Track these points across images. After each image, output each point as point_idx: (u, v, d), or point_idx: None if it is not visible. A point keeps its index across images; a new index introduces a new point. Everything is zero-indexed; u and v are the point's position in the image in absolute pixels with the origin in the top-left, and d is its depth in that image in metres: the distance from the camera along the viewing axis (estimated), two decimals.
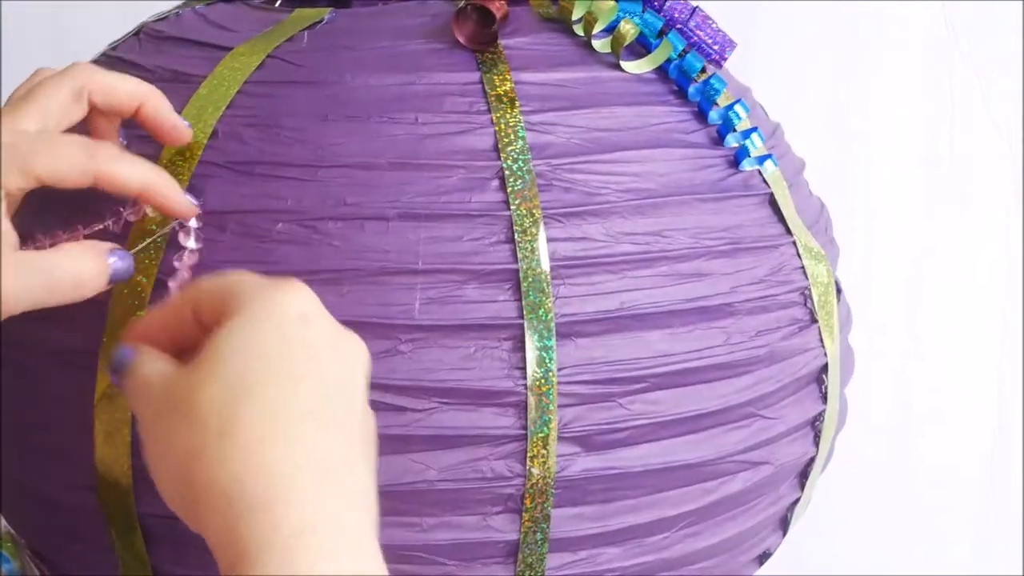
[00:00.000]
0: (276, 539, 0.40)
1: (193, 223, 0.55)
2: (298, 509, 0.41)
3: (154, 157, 0.57)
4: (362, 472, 0.44)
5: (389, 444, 0.54)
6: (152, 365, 0.46)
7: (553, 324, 0.54)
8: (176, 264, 0.54)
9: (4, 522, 0.70)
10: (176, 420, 0.43)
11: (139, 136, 0.58)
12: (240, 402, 0.42)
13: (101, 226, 0.56)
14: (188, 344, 0.46)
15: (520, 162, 0.55)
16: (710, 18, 0.64)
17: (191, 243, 0.55)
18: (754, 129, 0.62)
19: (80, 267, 0.49)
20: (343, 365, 0.45)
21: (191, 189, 0.56)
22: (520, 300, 0.54)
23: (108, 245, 0.50)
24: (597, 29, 0.60)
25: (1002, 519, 1.17)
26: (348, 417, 0.44)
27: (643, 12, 0.62)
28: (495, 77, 0.58)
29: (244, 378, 0.43)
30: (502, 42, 0.59)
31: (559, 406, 0.54)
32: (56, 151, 0.49)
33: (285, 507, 0.41)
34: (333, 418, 0.44)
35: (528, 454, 0.54)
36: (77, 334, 0.57)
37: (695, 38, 0.63)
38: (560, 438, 0.55)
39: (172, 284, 0.54)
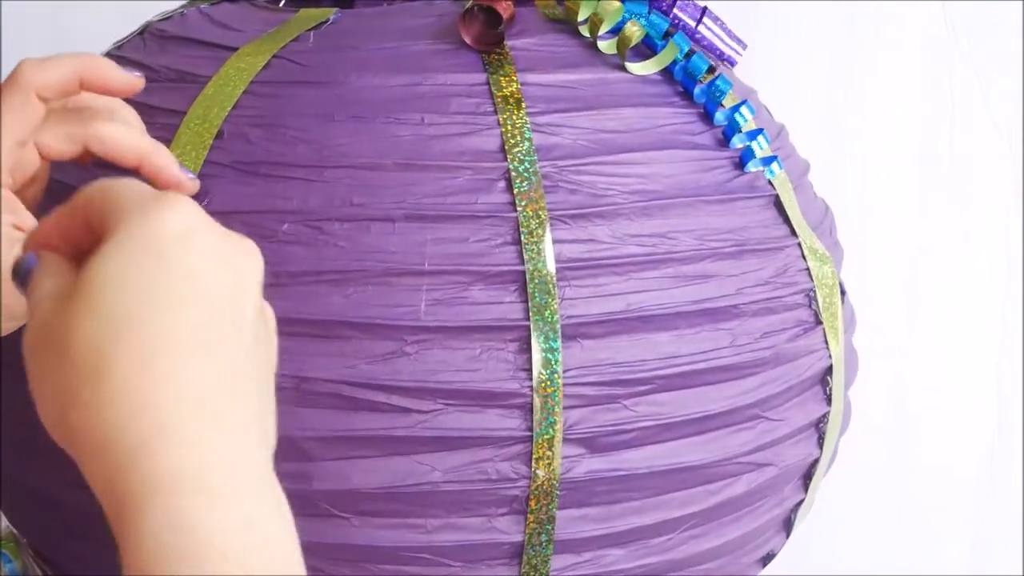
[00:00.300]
0: (156, 485, 0.37)
1: None
2: (176, 450, 0.38)
3: None
4: (251, 399, 0.41)
5: (394, 446, 0.54)
6: (47, 282, 0.42)
7: (559, 326, 0.54)
8: None
9: (5, 521, 0.69)
10: (53, 358, 0.40)
11: None
12: (114, 339, 0.39)
13: None
14: (87, 249, 0.42)
15: (526, 163, 0.55)
16: (719, 19, 0.64)
17: None
18: (760, 131, 0.62)
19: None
20: (229, 282, 0.41)
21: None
22: (526, 302, 0.54)
23: None
24: (603, 30, 0.60)
25: (1001, 519, 1.17)
26: (234, 339, 0.41)
27: (649, 14, 0.62)
28: (501, 78, 0.57)
29: (117, 311, 0.39)
30: (508, 43, 0.59)
31: (564, 408, 0.54)
32: (45, 125, 0.49)
33: (162, 449, 0.38)
34: (216, 343, 0.40)
35: (533, 456, 0.54)
36: None
37: (705, 40, 0.63)
38: (565, 440, 0.55)
39: None
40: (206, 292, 0.40)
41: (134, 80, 0.51)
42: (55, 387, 0.40)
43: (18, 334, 0.59)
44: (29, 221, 0.51)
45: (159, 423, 0.38)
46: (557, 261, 0.54)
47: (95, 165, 0.52)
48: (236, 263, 0.42)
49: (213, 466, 0.38)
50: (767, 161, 0.62)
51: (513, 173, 0.55)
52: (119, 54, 0.65)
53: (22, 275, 0.43)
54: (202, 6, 0.67)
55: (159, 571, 0.37)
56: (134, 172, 0.51)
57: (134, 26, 0.68)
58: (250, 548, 0.38)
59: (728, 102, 0.62)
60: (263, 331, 0.43)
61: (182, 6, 0.69)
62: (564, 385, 0.54)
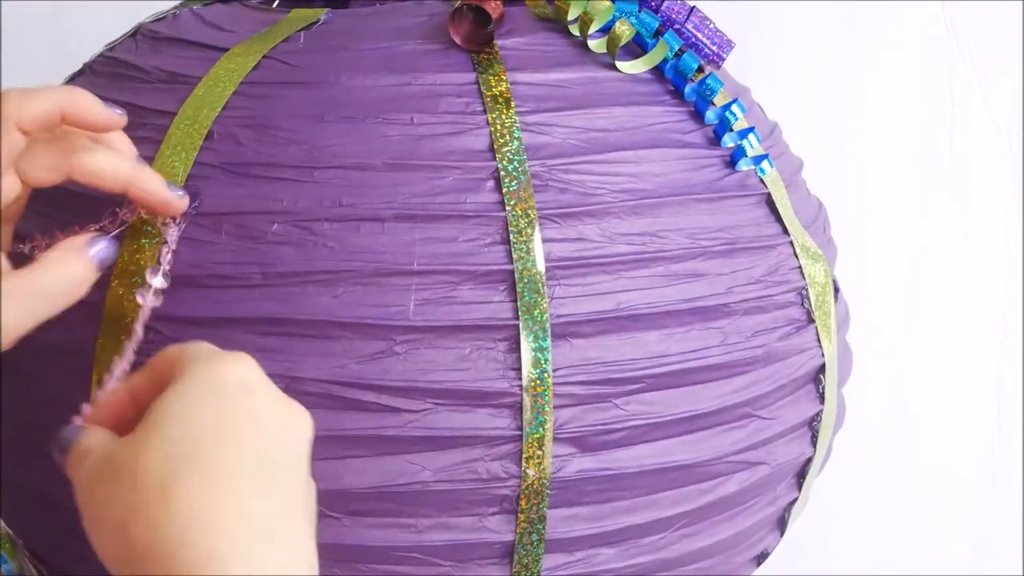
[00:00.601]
0: None
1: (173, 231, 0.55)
2: (239, 565, 0.41)
3: (150, 159, 0.57)
4: (304, 536, 0.45)
5: (384, 445, 0.54)
6: (94, 437, 0.47)
7: (548, 325, 0.54)
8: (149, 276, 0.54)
9: (2, 523, 0.70)
10: (116, 484, 0.44)
11: (137, 138, 0.58)
12: (179, 464, 0.43)
13: (97, 226, 0.56)
14: (129, 426, 0.47)
15: (516, 163, 0.55)
16: (708, 18, 0.64)
17: (171, 237, 0.55)
18: (751, 129, 0.62)
19: (68, 272, 0.50)
20: (285, 434, 0.46)
21: (187, 190, 0.56)
22: (515, 301, 0.54)
23: (84, 238, 0.51)
24: (593, 29, 0.60)
25: (1001, 519, 1.17)
26: (289, 483, 0.45)
27: (639, 12, 0.61)
28: (491, 77, 0.57)
29: (183, 442, 0.43)
30: (498, 42, 0.59)
31: (555, 407, 0.54)
32: (29, 153, 0.50)
33: (226, 563, 0.41)
34: (275, 483, 0.44)
35: (523, 455, 0.54)
36: (74, 334, 0.57)
37: (693, 39, 0.63)
38: (556, 439, 0.55)
39: (140, 297, 0.54)
40: (265, 437, 0.45)
41: (116, 117, 0.52)
42: (119, 510, 0.43)
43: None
44: (6, 238, 0.52)
45: (226, 540, 0.42)
46: (547, 260, 0.54)
47: None
48: (290, 420, 0.47)
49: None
50: (758, 159, 0.62)
51: (502, 172, 0.55)
52: (112, 56, 0.65)
53: (64, 444, 0.48)
54: (195, 7, 0.67)
55: None
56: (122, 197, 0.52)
57: (131, 27, 0.69)
58: None
59: (719, 100, 0.62)
60: (311, 492, 0.47)
61: (175, 7, 0.69)
62: (554, 384, 0.54)
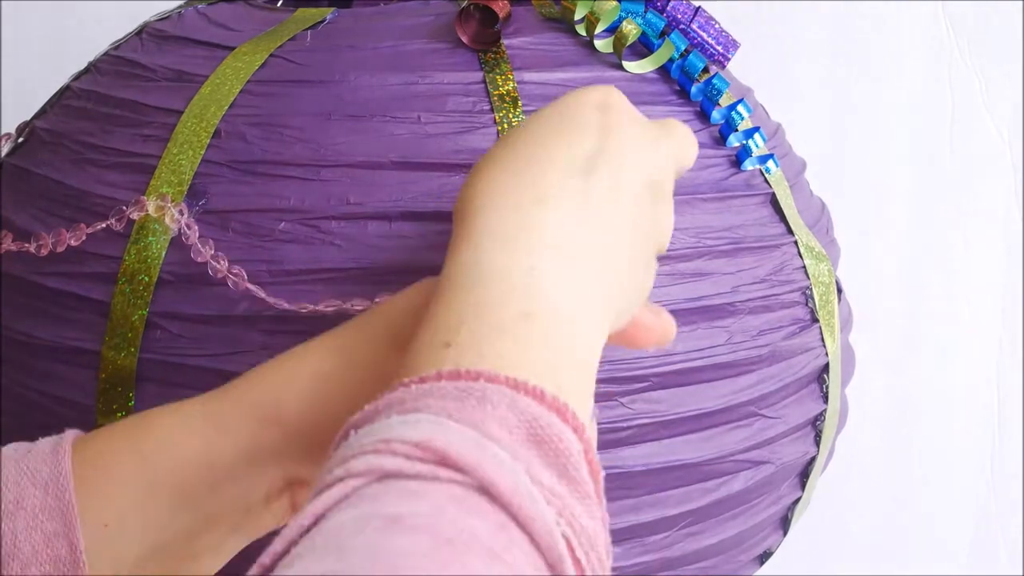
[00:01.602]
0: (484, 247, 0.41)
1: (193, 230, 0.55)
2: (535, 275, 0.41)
3: (156, 158, 0.57)
4: (604, 261, 0.43)
5: None
6: None
7: None
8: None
9: None
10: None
11: (144, 136, 0.58)
12: (527, 143, 0.44)
13: (104, 224, 0.56)
14: None
15: None
16: (713, 18, 0.64)
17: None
18: (756, 129, 0.62)
19: None
20: (641, 155, 0.45)
21: (193, 188, 0.56)
22: None
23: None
24: (599, 29, 0.60)
25: (1002, 519, 1.17)
26: (622, 212, 0.44)
27: (645, 12, 0.62)
28: (498, 77, 0.58)
29: (537, 125, 0.45)
30: (505, 42, 0.59)
31: None
32: None
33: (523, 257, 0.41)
34: (600, 205, 0.43)
35: None
36: (78, 333, 0.57)
37: (698, 39, 0.63)
38: None
39: None
40: (612, 149, 0.44)
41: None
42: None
43: (19, 335, 0.59)
44: None
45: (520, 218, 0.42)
46: None
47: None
48: (654, 144, 0.46)
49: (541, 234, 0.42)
50: (763, 159, 0.62)
51: None
52: (117, 54, 0.65)
53: None
54: (199, 6, 0.67)
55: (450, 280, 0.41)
56: None
57: (134, 26, 0.69)
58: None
59: (724, 100, 0.62)
60: (650, 211, 0.46)
61: (179, 6, 0.69)
62: None
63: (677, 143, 0.48)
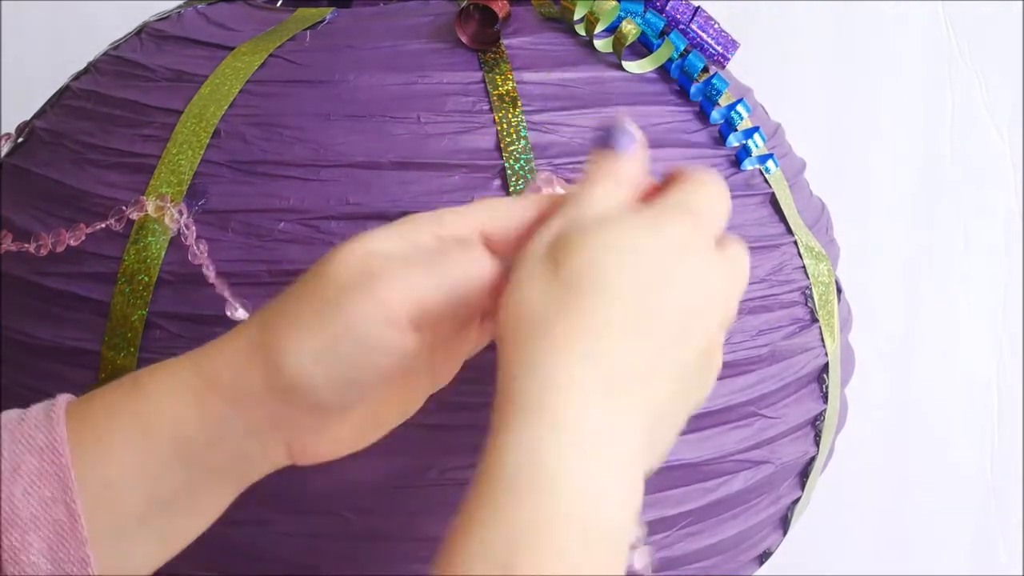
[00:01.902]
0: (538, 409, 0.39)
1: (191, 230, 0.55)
2: (573, 398, 0.40)
3: (156, 157, 0.57)
4: (650, 416, 0.42)
5: (390, 445, 0.54)
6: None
7: None
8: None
9: None
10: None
11: (144, 136, 0.58)
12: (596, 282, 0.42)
13: (104, 224, 0.56)
14: None
15: (522, 162, 0.55)
16: (713, 18, 0.64)
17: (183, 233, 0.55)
18: (756, 129, 0.62)
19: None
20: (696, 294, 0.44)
21: (193, 188, 0.56)
22: None
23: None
24: (599, 29, 0.60)
25: (1002, 519, 1.17)
26: (673, 351, 0.43)
27: (645, 12, 0.62)
28: (497, 77, 0.58)
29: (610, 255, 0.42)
30: (504, 42, 0.59)
31: None
32: None
33: (565, 389, 0.40)
34: (656, 338, 0.42)
35: None
36: (78, 333, 0.57)
37: (697, 39, 0.63)
38: None
39: None
40: (674, 291, 0.43)
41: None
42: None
43: (19, 335, 0.59)
44: None
45: (567, 368, 0.40)
46: None
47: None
48: (714, 278, 0.44)
49: (597, 431, 0.40)
50: (763, 159, 0.62)
51: (509, 171, 0.55)
52: (116, 55, 0.65)
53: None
54: (199, 6, 0.67)
55: (503, 483, 0.38)
56: None
57: (134, 26, 0.69)
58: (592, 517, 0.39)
59: (724, 100, 0.62)
60: (704, 364, 0.45)
61: (179, 6, 0.69)
62: None
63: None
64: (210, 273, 0.54)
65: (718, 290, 0.45)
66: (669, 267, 0.43)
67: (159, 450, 0.44)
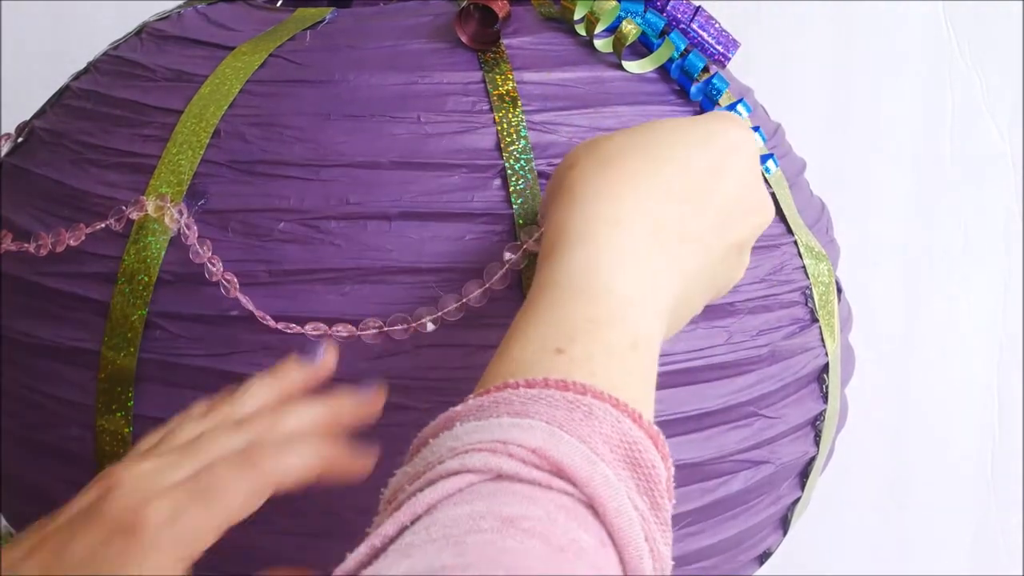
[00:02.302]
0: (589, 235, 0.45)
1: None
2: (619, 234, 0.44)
3: (156, 157, 0.57)
4: (692, 291, 0.48)
5: (392, 443, 0.54)
6: None
7: None
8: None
9: (4, 521, 0.70)
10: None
11: (143, 136, 0.58)
12: (629, 145, 0.48)
13: (103, 224, 0.56)
14: None
15: (522, 161, 0.55)
16: (713, 18, 0.64)
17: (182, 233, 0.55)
18: (756, 128, 0.62)
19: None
20: (740, 205, 0.49)
21: (193, 188, 0.56)
22: (523, 300, 0.54)
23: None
24: (599, 29, 0.60)
25: (1002, 519, 1.17)
26: (700, 205, 0.47)
27: (645, 12, 0.62)
28: (497, 77, 0.58)
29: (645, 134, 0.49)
30: (504, 42, 0.59)
31: None
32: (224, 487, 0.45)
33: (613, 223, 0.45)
34: (681, 193, 0.47)
35: None
36: (78, 333, 0.57)
37: (698, 38, 0.63)
38: None
39: None
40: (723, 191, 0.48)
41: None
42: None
43: (20, 335, 0.59)
44: None
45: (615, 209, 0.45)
46: None
47: None
48: (759, 200, 0.51)
49: (643, 262, 0.45)
50: (763, 159, 0.62)
51: (509, 171, 0.55)
52: (116, 55, 0.65)
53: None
54: (199, 6, 0.67)
55: (560, 288, 0.43)
56: None
57: (134, 26, 0.69)
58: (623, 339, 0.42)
59: (724, 100, 0.62)
60: (734, 266, 0.51)
61: (179, 6, 0.69)
62: None
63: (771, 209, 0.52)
64: (217, 269, 0.54)
65: (759, 199, 0.50)
66: (730, 159, 0.48)
67: None
